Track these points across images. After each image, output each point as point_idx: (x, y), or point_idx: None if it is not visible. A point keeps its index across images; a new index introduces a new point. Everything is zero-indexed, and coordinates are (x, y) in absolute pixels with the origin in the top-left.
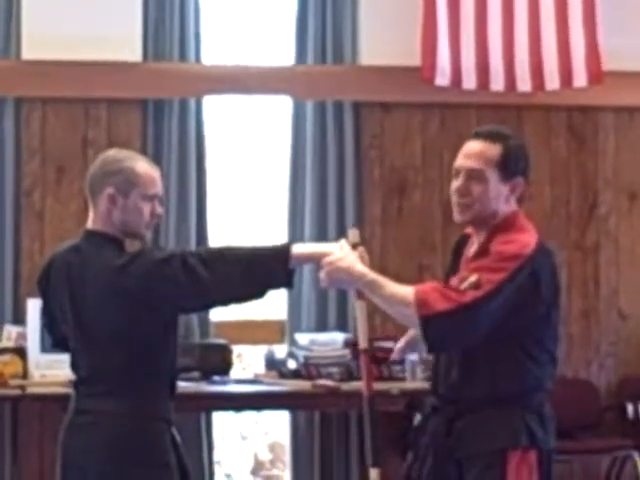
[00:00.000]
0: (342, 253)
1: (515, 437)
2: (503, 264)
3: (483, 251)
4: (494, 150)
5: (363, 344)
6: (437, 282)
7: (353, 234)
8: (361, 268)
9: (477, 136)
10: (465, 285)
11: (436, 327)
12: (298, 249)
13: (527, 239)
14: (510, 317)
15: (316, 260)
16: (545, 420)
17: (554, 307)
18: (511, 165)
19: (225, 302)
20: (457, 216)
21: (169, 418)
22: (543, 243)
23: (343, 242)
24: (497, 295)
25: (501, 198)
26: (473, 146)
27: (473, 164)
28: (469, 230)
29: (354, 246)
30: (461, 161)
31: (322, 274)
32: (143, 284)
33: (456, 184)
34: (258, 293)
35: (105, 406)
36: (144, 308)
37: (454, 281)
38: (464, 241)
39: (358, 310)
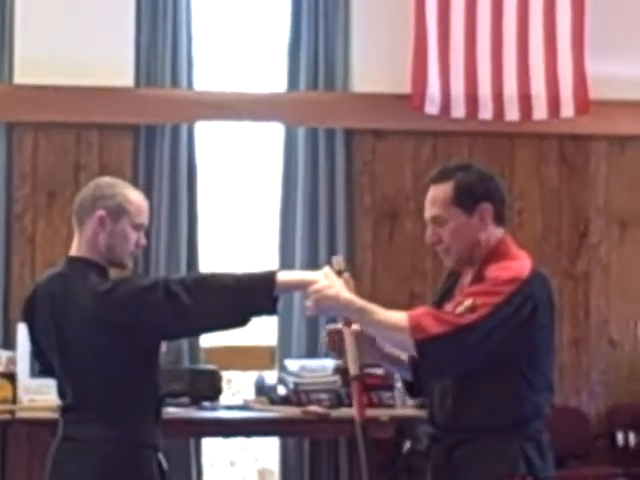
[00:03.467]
0: (328, 281)
1: (513, 466)
2: (499, 288)
3: (478, 278)
4: (445, 189)
5: (354, 371)
6: (429, 307)
7: (337, 261)
8: (348, 295)
9: (431, 182)
10: (460, 309)
11: (432, 351)
12: (283, 276)
13: (522, 265)
14: (507, 341)
15: (301, 287)
16: (543, 448)
17: (550, 332)
18: (466, 197)
19: (209, 329)
20: (447, 264)
21: (155, 444)
22: (538, 268)
23: (327, 269)
24: (493, 318)
25: (473, 229)
26: (430, 194)
27: (432, 212)
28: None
29: (339, 273)
30: (425, 211)
31: (308, 302)
32: (125, 312)
33: (427, 235)
34: (242, 320)
35: (91, 433)
36: (126, 335)
37: (449, 306)
38: (456, 275)
39: (347, 337)
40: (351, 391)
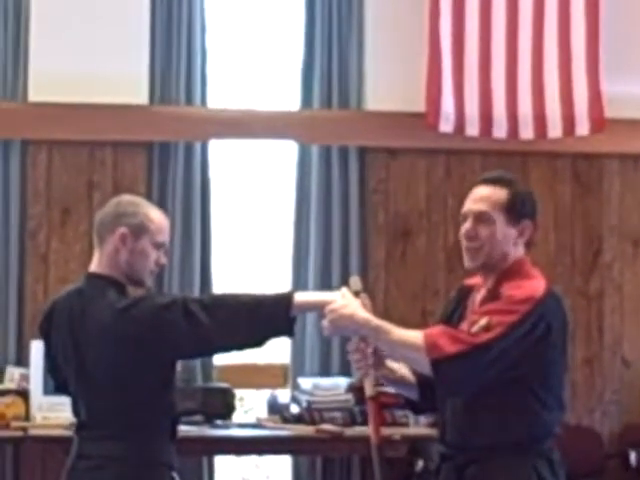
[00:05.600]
0: (345, 301)
1: None
2: (514, 307)
3: (493, 296)
4: (500, 194)
5: (369, 391)
6: (445, 326)
7: (354, 281)
8: (364, 314)
9: (484, 182)
10: (475, 328)
11: (448, 370)
12: (300, 297)
13: (537, 284)
14: (520, 360)
15: (318, 308)
16: (555, 466)
17: (563, 352)
18: (518, 208)
19: (225, 349)
20: (468, 263)
21: (170, 462)
22: (552, 289)
23: (345, 290)
24: (508, 337)
25: (510, 241)
26: (480, 191)
27: (480, 207)
28: (470, 281)
29: (356, 293)
30: (469, 205)
31: (325, 322)
32: (143, 329)
33: (464, 228)
34: (259, 341)
35: (106, 451)
36: (144, 352)
37: (464, 325)
38: (466, 293)
39: None
40: (367, 410)
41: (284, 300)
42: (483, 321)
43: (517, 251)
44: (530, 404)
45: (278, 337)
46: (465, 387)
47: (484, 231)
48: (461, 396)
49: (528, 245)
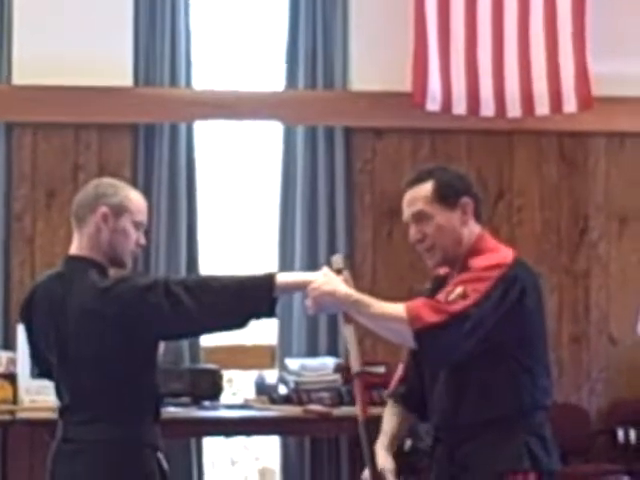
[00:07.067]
0: (326, 278)
1: (516, 461)
2: (486, 273)
3: (463, 271)
4: (426, 188)
5: (355, 368)
6: (426, 298)
7: (336, 259)
8: (345, 289)
9: (407, 185)
10: (452, 296)
11: (431, 339)
12: (282, 278)
13: (504, 253)
14: (500, 326)
15: (301, 288)
16: (547, 442)
17: (540, 317)
18: (447, 192)
19: (207, 330)
20: (430, 264)
21: (155, 444)
22: (519, 257)
23: (326, 269)
24: (485, 302)
25: (456, 224)
26: (408, 196)
27: (413, 209)
28: (442, 270)
29: (338, 271)
30: (405, 212)
31: (308, 301)
32: (125, 309)
33: (410, 234)
34: (241, 322)
35: (89, 434)
36: (125, 333)
37: (440, 296)
38: (440, 282)
39: (348, 334)
40: (353, 388)
41: (266, 281)
42: (459, 289)
43: (471, 231)
44: (514, 372)
45: (260, 318)
46: (449, 355)
47: (428, 228)
48: (445, 365)
49: (478, 217)
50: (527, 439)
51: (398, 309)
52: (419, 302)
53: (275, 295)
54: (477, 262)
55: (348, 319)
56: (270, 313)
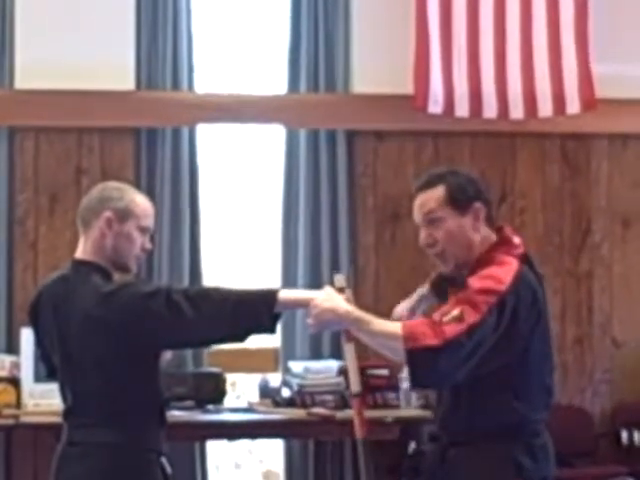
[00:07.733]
0: (327, 296)
1: (500, 469)
2: (482, 298)
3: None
4: (438, 192)
5: (355, 388)
6: (425, 318)
7: (338, 279)
8: (346, 307)
9: (418, 190)
10: (448, 318)
11: (421, 361)
12: (284, 294)
13: (505, 270)
14: (490, 354)
15: (302, 305)
16: (535, 449)
17: (543, 337)
18: (460, 196)
19: (207, 342)
20: (443, 268)
21: (159, 449)
22: (521, 274)
23: (328, 288)
24: (479, 330)
25: (467, 230)
26: (419, 200)
27: (425, 211)
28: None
29: (340, 290)
30: (416, 216)
31: (309, 319)
32: (125, 315)
33: (421, 238)
34: (241, 336)
35: (93, 438)
36: (125, 339)
37: (436, 315)
38: (447, 279)
39: (348, 353)
40: (352, 406)
41: (268, 297)
42: (455, 312)
43: (483, 236)
44: (501, 394)
45: (261, 333)
46: (434, 380)
47: (439, 233)
48: (431, 387)
49: (489, 220)
50: (511, 448)
51: (396, 327)
52: (417, 322)
53: (276, 311)
54: (474, 282)
55: (349, 337)
56: (271, 329)
